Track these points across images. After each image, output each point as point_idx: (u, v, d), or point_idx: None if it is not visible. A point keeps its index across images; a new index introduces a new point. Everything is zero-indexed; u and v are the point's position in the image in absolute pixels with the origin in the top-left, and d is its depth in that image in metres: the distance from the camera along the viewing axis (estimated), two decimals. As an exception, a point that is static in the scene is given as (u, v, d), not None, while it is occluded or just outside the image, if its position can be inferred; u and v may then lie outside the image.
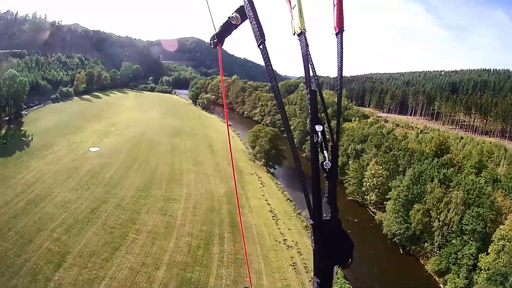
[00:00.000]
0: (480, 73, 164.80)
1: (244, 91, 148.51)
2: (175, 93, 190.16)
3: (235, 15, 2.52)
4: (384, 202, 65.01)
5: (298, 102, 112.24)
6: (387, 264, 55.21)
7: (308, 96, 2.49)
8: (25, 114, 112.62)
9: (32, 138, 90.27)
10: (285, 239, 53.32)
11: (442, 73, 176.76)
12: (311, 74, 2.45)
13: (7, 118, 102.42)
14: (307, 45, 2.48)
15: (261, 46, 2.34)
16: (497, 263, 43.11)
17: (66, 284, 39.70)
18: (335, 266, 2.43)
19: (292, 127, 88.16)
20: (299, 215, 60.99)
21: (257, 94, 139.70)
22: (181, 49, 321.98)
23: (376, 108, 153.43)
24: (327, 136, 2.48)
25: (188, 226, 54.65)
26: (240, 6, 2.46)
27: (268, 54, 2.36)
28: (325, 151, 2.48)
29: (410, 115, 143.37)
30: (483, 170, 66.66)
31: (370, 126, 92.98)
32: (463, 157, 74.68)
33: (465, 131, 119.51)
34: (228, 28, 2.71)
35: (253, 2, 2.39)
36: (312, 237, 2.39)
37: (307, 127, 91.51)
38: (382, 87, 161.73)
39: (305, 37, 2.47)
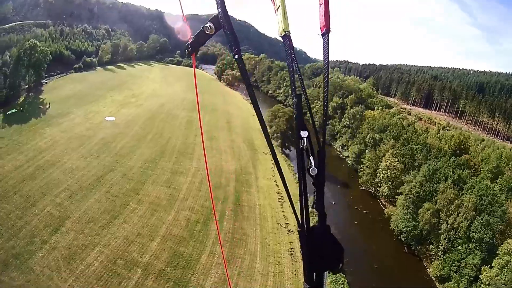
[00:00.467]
0: (508, 77, 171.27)
1: (270, 70, 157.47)
2: (201, 68, 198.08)
3: (209, 25, 2.79)
4: (396, 196, 67.17)
5: (322, 85, 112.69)
6: (389, 262, 56.49)
7: (294, 100, 2.84)
8: (46, 83, 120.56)
9: (49, 106, 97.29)
10: (287, 223, 55.01)
11: (471, 72, 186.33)
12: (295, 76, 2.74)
13: (26, 86, 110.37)
14: (291, 48, 2.73)
15: (236, 56, 2.69)
16: (499, 279, 44.27)
17: (60, 248, 42.92)
18: (325, 272, 2.65)
19: (314, 110, 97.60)
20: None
21: (282, 74, 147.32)
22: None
23: (401, 99, 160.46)
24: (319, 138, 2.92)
25: (190, 200, 57.26)
26: (214, 16, 2.71)
27: (244, 64, 2.73)
28: (311, 157, 2.73)
29: (435, 110, 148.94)
30: (500, 176, 67.50)
31: (392, 116, 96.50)
32: (481, 159, 76.25)
33: (487, 134, 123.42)
34: (202, 37, 2.96)
35: (227, 13, 2.65)
36: (300, 244, 2.71)
37: (330, 111, 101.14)
38: (409, 78, 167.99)
39: (289, 39, 2.73)
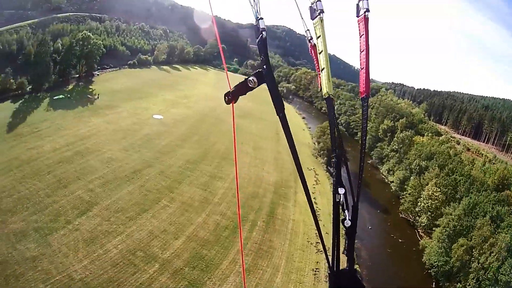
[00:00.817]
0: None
1: None
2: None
3: (253, 79, 3.48)
4: (434, 228, 68.50)
5: (376, 107, 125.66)
6: (414, 295, 56.40)
7: (334, 160, 3.61)
8: (97, 75, 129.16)
9: (98, 97, 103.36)
10: (318, 242, 55.59)
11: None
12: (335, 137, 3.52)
13: (77, 75, 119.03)
14: (333, 108, 3.46)
15: (280, 114, 3.43)
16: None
17: (83, 230, 44.86)
18: None
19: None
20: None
21: (337, 91, 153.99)
22: (270, 36, 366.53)
23: (452, 127, 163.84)
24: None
25: (224, 206, 58.85)
26: (258, 71, 3.41)
27: (287, 121, 3.46)
28: (346, 211, 3.45)
29: (483, 141, 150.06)
30: (540, 219, 66.66)
31: (440, 144, 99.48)
32: (523, 197, 75.45)
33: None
34: (244, 89, 3.67)
35: (271, 71, 3.29)
36: (328, 285, 3.12)
37: (380, 133, 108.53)
38: (461, 107, 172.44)
39: (331, 100, 3.49)
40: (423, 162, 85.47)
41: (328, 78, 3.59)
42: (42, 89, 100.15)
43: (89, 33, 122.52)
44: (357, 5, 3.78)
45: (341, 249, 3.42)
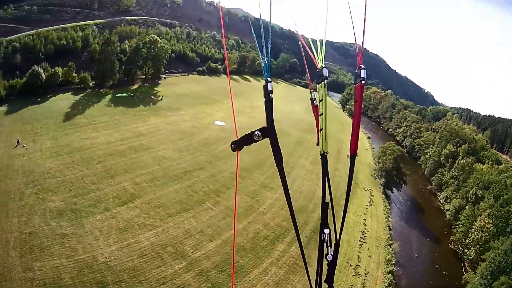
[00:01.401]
0: None
1: (394, 108, 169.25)
2: (329, 94, 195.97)
3: (258, 133, 4.05)
4: (480, 263, 67.44)
5: (440, 131, 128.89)
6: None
7: (322, 207, 4.60)
8: (164, 78, 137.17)
9: (161, 99, 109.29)
10: (357, 265, 55.84)
11: None
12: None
13: (143, 76, 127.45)
14: (326, 164, 4.35)
15: (279, 167, 4.05)
16: None
17: (119, 218, 47.38)
18: None
19: (427, 156, 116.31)
20: (389, 246, 64.23)
21: (404, 113, 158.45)
22: (343, 53, 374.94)
23: None
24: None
25: (268, 216, 59.42)
26: (263, 127, 4.04)
27: (284, 173, 4.10)
28: (329, 247, 4.30)
29: None
30: None
31: (499, 173, 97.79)
32: None
33: None
34: (249, 140, 4.19)
35: (274, 129, 4.01)
36: None
37: (442, 158, 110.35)
38: None
39: (326, 158, 4.39)
40: (480, 191, 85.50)
41: (325, 138, 4.45)
42: (106, 86, 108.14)
43: (156, 37, 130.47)
44: (356, 72, 4.43)
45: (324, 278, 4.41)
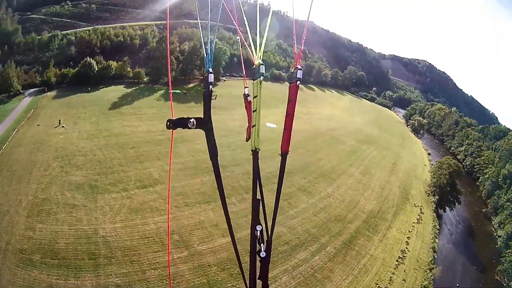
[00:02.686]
0: None
1: (457, 125, 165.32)
2: (394, 109, 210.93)
3: (193, 121, 4.32)
4: None
5: (500, 150, 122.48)
6: None
7: (253, 204, 4.64)
8: (224, 80, 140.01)
9: (216, 98, 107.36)
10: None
11: None
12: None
13: (201, 77, 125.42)
14: (257, 160, 4.71)
15: (213, 161, 4.59)
16: None
17: (134, 200, 47.32)
18: None
19: (486, 176, 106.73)
20: (429, 270, 56.77)
21: (466, 131, 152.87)
22: (411, 70, 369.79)
23: None
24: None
25: (297, 220, 54.62)
26: (200, 117, 4.33)
27: (219, 167, 4.59)
28: (262, 244, 4.40)
29: None
30: None
31: None
32: None
33: None
34: (183, 125, 4.37)
35: (211, 122, 4.33)
36: None
37: (500, 179, 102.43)
38: None
39: (257, 154, 4.72)
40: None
41: (257, 134, 4.74)
42: (160, 82, 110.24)
43: (216, 39, 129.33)
44: (292, 72, 4.58)
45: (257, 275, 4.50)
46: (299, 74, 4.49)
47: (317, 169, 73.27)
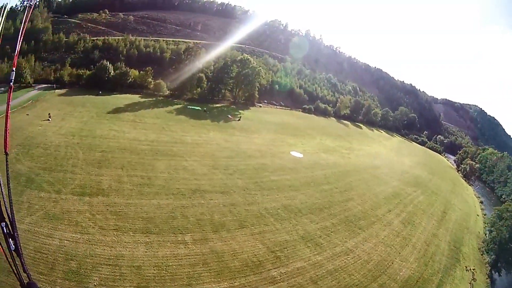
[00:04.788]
0: None
1: (510, 170, 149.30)
2: (444, 155, 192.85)
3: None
4: None
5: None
6: None
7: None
8: (260, 106, 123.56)
9: (239, 119, 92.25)
10: None
11: None
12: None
13: (232, 99, 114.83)
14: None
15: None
16: None
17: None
18: None
19: None
20: None
21: None
22: (462, 115, 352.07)
23: None
24: None
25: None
26: None
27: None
28: (10, 239, 4.26)
29: None
30: None
31: None
32: None
33: None
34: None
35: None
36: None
37: None
38: None
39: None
40: None
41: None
42: (182, 98, 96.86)
43: (248, 56, 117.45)
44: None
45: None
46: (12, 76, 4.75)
47: (341, 212, 51.14)
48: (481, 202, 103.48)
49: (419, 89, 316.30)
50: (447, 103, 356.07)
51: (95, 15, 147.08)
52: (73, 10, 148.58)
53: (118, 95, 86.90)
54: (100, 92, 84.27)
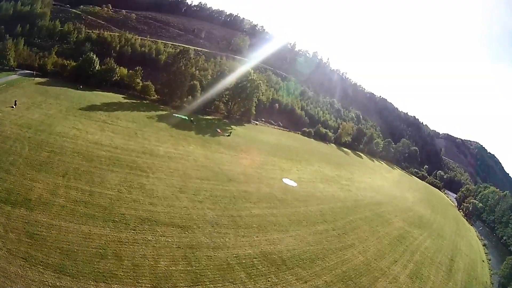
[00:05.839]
0: None
1: None
2: (444, 191, 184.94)
3: None
4: None
5: None
6: None
7: None
8: (256, 123, 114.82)
9: (229, 135, 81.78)
10: None
11: None
12: None
13: (226, 112, 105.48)
14: None
15: None
16: None
17: None
18: None
19: None
20: None
21: None
22: (463, 151, 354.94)
23: None
24: None
25: None
26: None
27: None
28: None
29: None
30: None
31: None
32: None
33: None
34: None
35: None
36: None
37: None
38: None
39: None
40: None
41: None
42: (171, 104, 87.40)
43: (260, 82, 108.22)
44: None
45: None
46: None
47: (338, 265, 38.94)
48: (484, 245, 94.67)
49: (422, 122, 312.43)
50: (448, 138, 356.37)
51: (98, 8, 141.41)
52: (77, 0, 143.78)
53: (100, 92, 77.50)
54: (81, 87, 75.12)
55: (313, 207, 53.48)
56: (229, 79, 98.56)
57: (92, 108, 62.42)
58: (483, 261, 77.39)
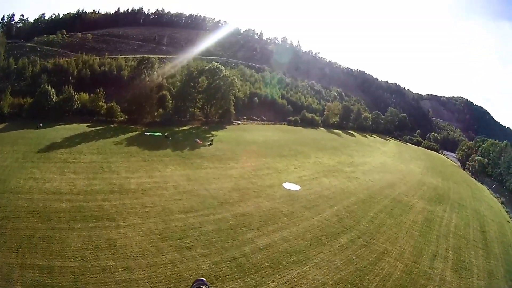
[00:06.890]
0: None
1: None
2: (442, 152, 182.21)
3: None
4: None
5: None
6: None
7: None
8: (238, 123, 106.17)
9: (211, 143, 72.77)
10: None
11: None
12: None
13: (204, 118, 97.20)
14: None
15: None
16: None
17: None
18: None
19: None
20: None
21: None
22: (450, 108, 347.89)
23: None
24: None
25: None
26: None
27: None
28: None
29: None
30: None
31: None
32: None
33: None
34: None
35: None
36: None
37: None
38: None
39: None
40: None
41: None
42: (141, 122, 78.08)
43: (219, 65, 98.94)
44: None
45: None
46: None
47: (380, 286, 29.82)
48: (502, 203, 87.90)
49: (404, 87, 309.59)
50: (433, 98, 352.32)
51: (52, 36, 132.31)
52: (32, 34, 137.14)
53: (61, 126, 67.93)
54: (41, 125, 65.66)
55: (326, 212, 44.61)
56: (197, 79, 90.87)
57: (51, 147, 52.73)
58: (507, 221, 70.39)
